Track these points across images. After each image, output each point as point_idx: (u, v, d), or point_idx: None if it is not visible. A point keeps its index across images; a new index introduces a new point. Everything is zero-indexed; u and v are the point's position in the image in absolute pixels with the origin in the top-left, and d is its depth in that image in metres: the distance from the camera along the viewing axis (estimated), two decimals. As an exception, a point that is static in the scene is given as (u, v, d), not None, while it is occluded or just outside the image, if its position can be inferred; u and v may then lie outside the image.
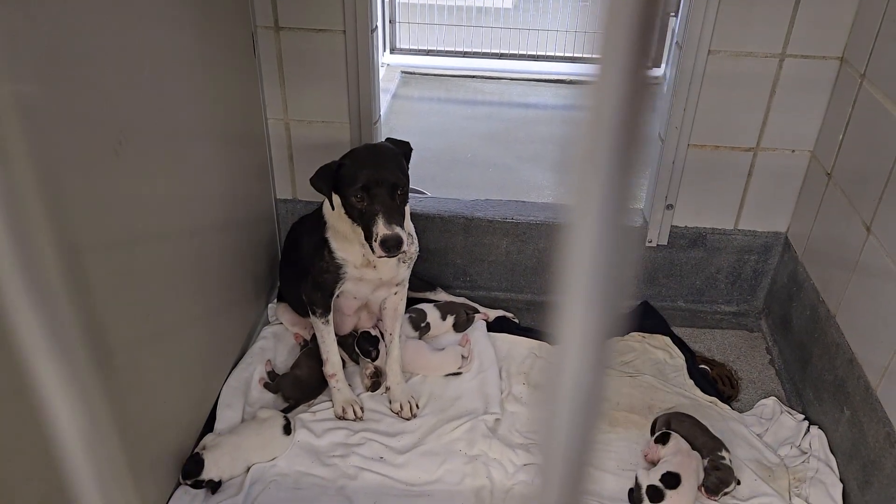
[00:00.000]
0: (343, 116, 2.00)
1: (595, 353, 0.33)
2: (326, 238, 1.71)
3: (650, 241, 2.12)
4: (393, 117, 3.39)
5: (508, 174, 2.95)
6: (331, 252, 1.70)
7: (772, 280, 2.15)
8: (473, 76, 3.74)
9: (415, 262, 1.88)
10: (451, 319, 2.07)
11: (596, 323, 0.33)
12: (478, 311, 2.13)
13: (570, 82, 3.66)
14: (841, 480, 1.67)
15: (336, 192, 1.62)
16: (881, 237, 1.58)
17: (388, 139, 1.71)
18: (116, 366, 1.31)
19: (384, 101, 3.46)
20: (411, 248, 1.79)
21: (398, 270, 1.77)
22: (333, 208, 1.67)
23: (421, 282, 2.15)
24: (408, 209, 1.74)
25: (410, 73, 3.75)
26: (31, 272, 0.34)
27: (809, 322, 1.89)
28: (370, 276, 1.75)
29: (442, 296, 2.16)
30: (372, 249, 1.58)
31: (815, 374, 1.84)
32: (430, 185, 2.84)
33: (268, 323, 2.09)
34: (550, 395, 0.34)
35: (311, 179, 1.61)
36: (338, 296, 1.81)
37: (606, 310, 0.33)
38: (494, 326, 2.11)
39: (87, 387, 0.38)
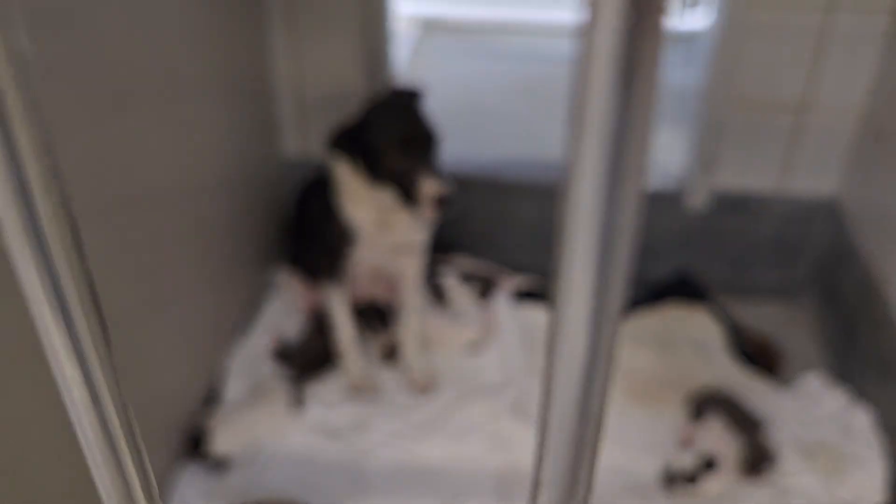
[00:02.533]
0: (356, 66, 1.96)
1: (594, 322, 0.32)
2: (338, 199, 1.68)
3: (688, 206, 2.07)
4: (415, 71, 3.33)
5: (536, 132, 2.89)
6: (343, 213, 1.68)
7: (818, 249, 2.09)
8: (501, 30, 3.66)
9: (434, 227, 1.85)
10: (472, 287, 2.05)
11: (595, 291, 0.31)
12: (501, 279, 2.11)
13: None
14: (885, 460, 1.64)
15: (360, 153, 1.58)
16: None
17: (393, 91, 1.67)
18: (119, 333, 1.31)
19: (404, 53, 3.41)
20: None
21: (416, 234, 1.75)
22: (335, 164, 1.63)
23: (441, 246, 2.12)
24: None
25: (434, 24, 3.68)
26: (30, 234, 0.34)
27: (858, 294, 1.84)
28: (386, 240, 1.72)
29: (463, 262, 2.14)
30: (413, 209, 1.55)
31: (862, 350, 1.80)
32: (451, 141, 2.79)
33: (278, 291, 2.08)
34: (552, 367, 0.33)
35: (329, 141, 1.58)
36: (351, 263, 1.79)
37: (607, 277, 0.31)
38: (519, 295, 2.09)
39: (91, 353, 0.38)
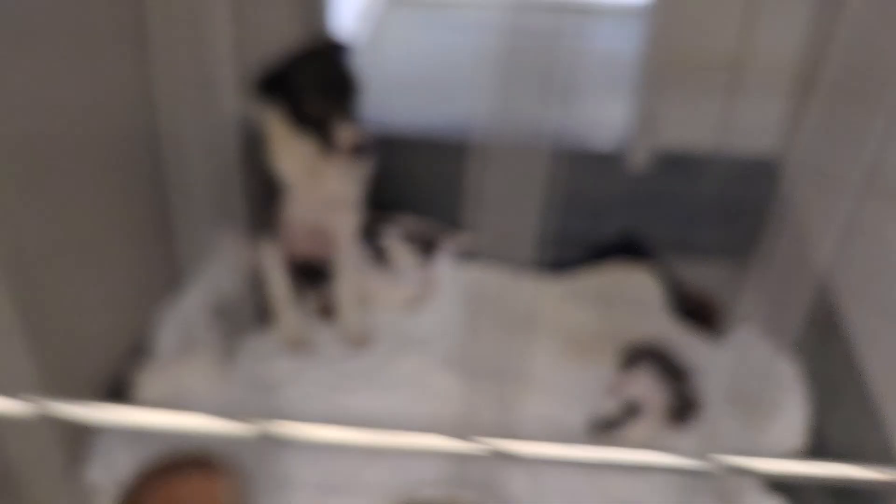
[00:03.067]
0: (294, 27, 1.95)
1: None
2: (267, 150, 1.68)
3: (629, 166, 2.07)
4: (381, 43, 3.33)
5: (504, 102, 2.89)
6: (271, 167, 1.68)
7: (759, 208, 2.08)
8: (465, 4, 3.65)
9: (376, 185, 1.85)
10: (414, 246, 2.05)
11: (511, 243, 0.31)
12: (443, 238, 2.11)
13: (574, 10, 3.56)
14: (805, 407, 1.65)
15: (284, 99, 1.59)
16: (861, 154, 1.52)
17: (327, 39, 1.67)
18: (34, 276, 1.31)
19: (367, 28, 3.40)
20: (363, 164, 1.76)
21: (348, 188, 1.75)
22: (266, 115, 1.64)
23: (383, 206, 2.12)
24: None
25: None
26: None
27: (789, 247, 1.84)
28: (317, 194, 1.72)
29: (407, 221, 2.14)
30: (331, 154, 1.55)
31: (789, 301, 1.80)
32: (418, 113, 2.79)
33: (221, 248, 2.08)
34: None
35: (253, 86, 1.58)
36: (286, 218, 1.79)
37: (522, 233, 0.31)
38: (461, 254, 2.09)
39: None
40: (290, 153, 1.66)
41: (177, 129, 1.89)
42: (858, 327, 1.48)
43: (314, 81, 1.53)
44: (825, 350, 1.61)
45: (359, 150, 1.52)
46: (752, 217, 2.11)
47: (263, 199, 1.74)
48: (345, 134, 1.51)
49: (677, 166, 2.06)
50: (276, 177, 1.69)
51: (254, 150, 1.72)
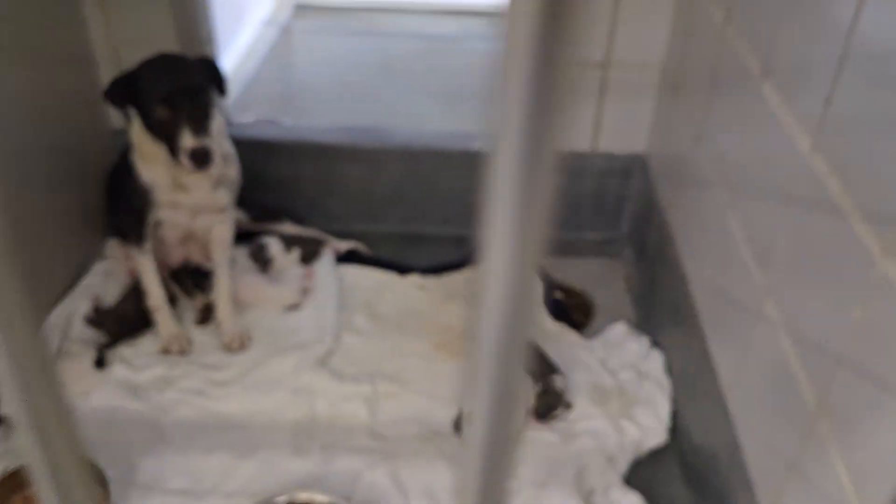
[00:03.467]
0: (171, 37, 1.93)
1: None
2: (131, 160, 1.67)
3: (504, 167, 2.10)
4: (280, 51, 3.31)
5: (393, 105, 2.90)
6: (136, 175, 1.66)
7: (634, 205, 2.15)
8: (372, 8, 3.66)
9: (261, 191, 1.83)
10: (296, 252, 2.05)
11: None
12: (327, 243, 2.11)
13: (472, 13, 3.60)
14: (672, 401, 1.69)
15: (134, 106, 1.57)
16: (706, 147, 1.58)
17: (187, 53, 1.66)
18: None
19: (272, 34, 3.38)
20: (230, 170, 1.75)
21: (216, 195, 1.74)
22: (131, 124, 1.62)
23: (267, 212, 2.12)
24: (221, 127, 1.70)
25: (304, 5, 3.66)
26: None
27: (657, 244, 1.90)
28: (184, 201, 1.71)
29: (289, 227, 2.13)
30: (180, 165, 1.54)
31: (658, 297, 1.86)
32: (308, 118, 2.78)
33: (105, 259, 2.05)
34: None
35: (104, 92, 1.56)
36: (159, 225, 1.77)
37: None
38: (345, 259, 2.10)
39: None
40: (153, 162, 1.64)
41: (61, 140, 1.86)
42: (710, 321, 1.53)
43: (157, 90, 1.51)
44: (685, 344, 1.66)
45: (199, 160, 1.50)
46: (629, 215, 2.17)
47: (136, 208, 1.72)
48: (185, 142, 1.50)
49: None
50: (143, 185, 1.67)
51: (127, 159, 1.70)
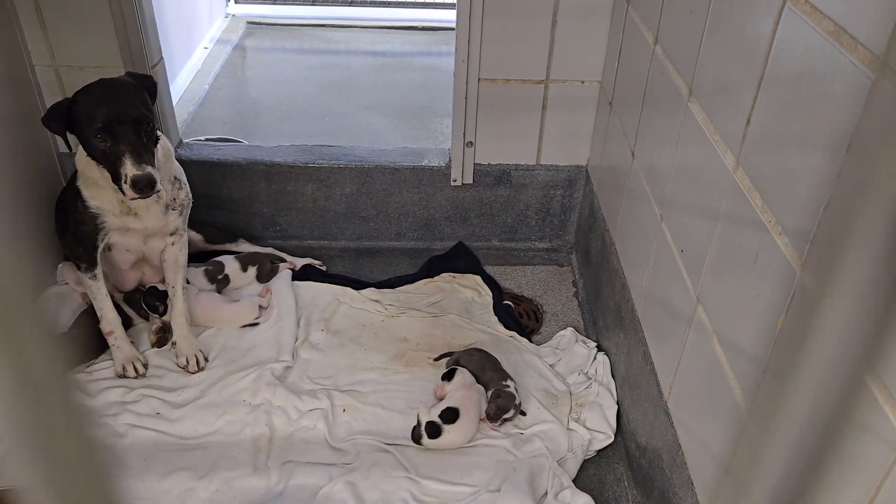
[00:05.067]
0: (116, 60, 1.90)
1: None
2: (78, 187, 1.63)
3: (455, 181, 2.11)
4: (232, 69, 3.28)
5: (346, 122, 2.90)
6: (84, 201, 1.63)
7: (578, 214, 2.17)
8: (322, 25, 3.64)
9: (216, 211, 1.80)
10: (252, 270, 2.03)
11: None
12: (283, 261, 2.10)
13: (421, 28, 3.61)
14: (618, 402, 1.72)
15: (74, 133, 1.54)
16: (640, 161, 1.61)
17: (128, 73, 1.63)
18: None
19: (224, 52, 3.34)
20: (180, 193, 1.73)
21: (167, 218, 1.71)
22: (70, 150, 1.58)
23: (222, 233, 2.10)
24: (168, 149, 1.68)
25: (257, 23, 3.63)
26: None
27: (600, 251, 1.92)
28: (134, 225, 1.68)
29: (245, 247, 2.11)
30: (123, 192, 1.51)
31: (603, 302, 1.88)
32: (261, 136, 2.76)
33: (55, 284, 2.00)
34: None
35: (42, 119, 1.53)
36: (110, 250, 1.74)
37: None
38: (301, 275, 2.08)
39: None
40: (99, 188, 1.61)
41: (21, 170, 1.81)
42: (649, 326, 1.55)
43: (95, 119, 1.47)
44: (629, 348, 1.69)
45: (141, 188, 1.48)
46: (574, 225, 2.20)
47: (85, 233, 1.68)
48: (126, 171, 1.47)
49: (501, 180, 2.12)
50: (91, 211, 1.64)
51: (74, 185, 1.66)
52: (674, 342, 1.39)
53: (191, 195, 1.76)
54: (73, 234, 1.68)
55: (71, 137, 1.55)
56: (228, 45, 3.41)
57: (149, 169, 1.47)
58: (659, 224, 1.47)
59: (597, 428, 1.68)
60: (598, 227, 1.95)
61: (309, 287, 2.04)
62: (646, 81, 1.57)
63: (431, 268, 2.14)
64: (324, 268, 2.14)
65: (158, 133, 1.60)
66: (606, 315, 1.86)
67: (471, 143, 2.04)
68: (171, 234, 1.76)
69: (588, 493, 1.54)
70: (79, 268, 1.71)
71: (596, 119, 2.01)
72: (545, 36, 1.89)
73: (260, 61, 3.42)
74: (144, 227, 1.69)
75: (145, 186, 1.47)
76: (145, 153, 1.49)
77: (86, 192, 1.62)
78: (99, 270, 1.72)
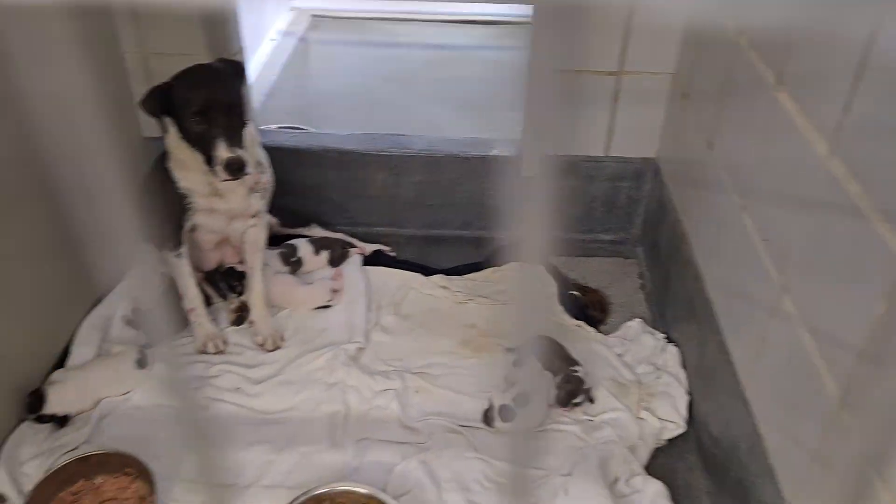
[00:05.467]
0: (200, 48, 1.96)
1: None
2: (168, 168, 1.69)
3: (524, 171, 2.12)
4: (298, 61, 3.33)
5: (409, 113, 2.93)
6: (174, 182, 1.69)
7: (646, 206, 2.17)
8: (384, 18, 3.68)
9: (289, 197, 1.85)
10: (325, 254, 2.07)
11: None
12: (354, 246, 2.13)
13: (482, 23, 3.62)
14: (689, 393, 1.71)
15: (170, 116, 1.59)
16: (719, 151, 1.60)
17: (219, 59, 1.68)
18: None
19: (290, 44, 3.40)
20: (263, 177, 1.78)
21: (249, 201, 1.76)
22: (167, 133, 1.64)
23: (295, 217, 2.14)
24: (253, 135, 1.72)
25: (321, 16, 3.68)
26: None
27: (671, 243, 1.92)
28: (220, 206, 1.73)
29: (317, 231, 2.16)
30: (215, 174, 1.56)
31: (673, 294, 1.88)
32: (327, 127, 2.81)
33: (138, 261, 2.06)
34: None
35: (140, 102, 1.58)
36: (194, 230, 1.79)
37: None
38: (371, 260, 2.12)
39: None
40: (189, 169, 1.66)
41: (93, 146, 1.88)
42: (726, 316, 1.55)
43: (192, 103, 1.52)
44: (701, 339, 1.68)
45: (234, 170, 1.52)
46: (641, 217, 2.20)
47: (173, 213, 1.74)
48: (220, 154, 1.52)
49: (569, 170, 2.13)
50: (180, 192, 1.70)
51: (161, 166, 1.72)
52: (754, 332, 1.38)
53: (272, 179, 1.81)
54: (160, 215, 1.73)
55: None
56: (294, 38, 3.46)
57: (240, 152, 1.52)
58: (739, 214, 1.47)
59: (667, 417, 1.68)
60: (669, 220, 1.94)
61: (379, 272, 2.08)
62: (727, 71, 1.56)
63: (498, 256, 2.16)
64: (393, 254, 2.17)
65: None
66: (676, 307, 1.85)
67: (540, 133, 2.05)
68: (253, 217, 1.81)
69: (660, 481, 1.54)
70: (164, 247, 1.77)
71: (667, 111, 2.00)
72: (621, 27, 1.89)
73: (324, 54, 3.48)
74: (229, 209, 1.74)
75: (237, 169, 1.52)
76: (237, 137, 1.54)
77: (176, 174, 1.68)
78: (184, 250, 1.77)
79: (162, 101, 1.56)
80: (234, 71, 1.62)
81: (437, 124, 2.85)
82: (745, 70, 1.47)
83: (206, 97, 1.52)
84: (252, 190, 1.75)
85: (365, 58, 3.40)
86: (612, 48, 1.92)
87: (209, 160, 1.55)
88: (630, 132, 2.05)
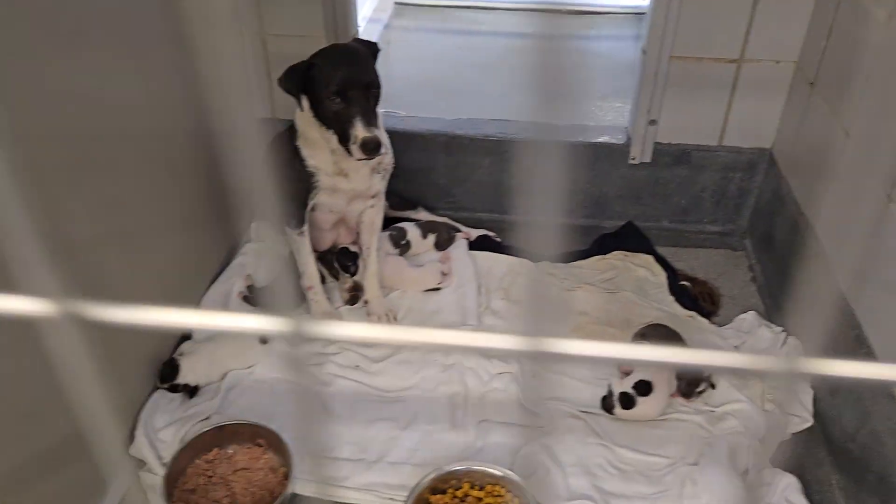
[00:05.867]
0: (319, 30, 1.97)
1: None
2: (297, 146, 1.70)
3: (633, 159, 2.10)
4: (384, 47, 3.34)
5: (497, 102, 2.91)
6: (302, 160, 1.70)
7: (757, 198, 2.13)
8: (467, 7, 3.67)
9: (395, 180, 1.86)
10: (432, 238, 2.07)
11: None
12: (459, 231, 2.14)
13: (566, 12, 3.59)
14: (813, 388, 1.68)
15: (307, 95, 1.60)
16: (857, 140, 1.56)
17: (355, 39, 1.69)
18: (81, 261, 1.33)
19: (375, 31, 3.42)
20: (386, 157, 1.78)
21: (372, 181, 1.77)
22: (303, 109, 1.65)
23: (403, 200, 2.15)
24: (381, 117, 1.73)
25: (404, 3, 3.69)
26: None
27: (790, 236, 1.88)
28: (343, 185, 1.74)
29: (423, 215, 2.16)
30: (349, 153, 1.57)
31: (794, 287, 1.84)
32: (417, 112, 2.81)
33: (251, 240, 2.10)
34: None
35: (279, 80, 1.60)
36: (313, 209, 1.81)
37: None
38: (476, 245, 2.12)
39: (44, 277, 0.36)
40: (317, 148, 1.68)
41: (217, 124, 1.91)
42: (866, 311, 1.51)
43: (332, 82, 1.53)
44: (834, 332, 1.64)
45: (370, 150, 1.53)
46: (750, 208, 2.15)
47: (292, 189, 1.76)
48: (357, 133, 1.53)
49: (679, 159, 2.10)
50: (308, 170, 1.71)
51: (287, 144, 1.73)
52: (905, 325, 1.35)
53: (394, 161, 1.82)
54: (286, 192, 1.75)
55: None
56: (379, 25, 3.47)
57: (376, 132, 1.53)
58: (885, 206, 1.43)
59: (792, 411, 1.65)
60: (788, 212, 1.90)
61: (486, 257, 2.07)
62: (873, 60, 1.52)
63: (602, 245, 2.14)
64: (498, 239, 2.17)
65: None
66: (799, 300, 1.81)
67: (654, 121, 2.03)
68: (372, 197, 1.82)
69: (791, 474, 1.51)
70: (288, 224, 1.79)
71: (788, 100, 1.95)
72: (745, 15, 1.85)
73: (409, 41, 3.48)
74: (352, 189, 1.75)
75: (373, 148, 1.52)
76: (373, 117, 1.55)
77: (305, 151, 1.69)
78: (306, 228, 1.79)
79: (300, 79, 1.57)
80: (370, 52, 1.63)
81: (527, 114, 2.83)
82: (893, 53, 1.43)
83: (346, 76, 1.53)
84: (375, 171, 1.76)
85: (449, 45, 3.39)
86: (735, 35, 1.88)
87: (344, 139, 1.56)
88: (746, 122, 2.01)
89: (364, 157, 1.55)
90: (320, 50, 1.60)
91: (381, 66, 1.77)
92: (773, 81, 1.94)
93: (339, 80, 1.53)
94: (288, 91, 1.61)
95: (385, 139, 1.79)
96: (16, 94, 1.14)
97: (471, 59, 3.22)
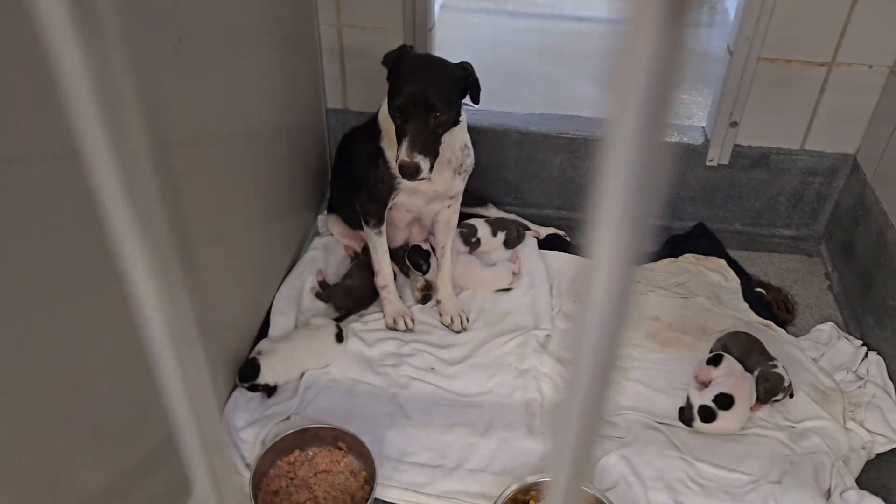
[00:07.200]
0: (397, 22, 1.92)
1: (623, 270, 0.30)
2: (381, 147, 1.67)
3: (711, 161, 2.05)
4: (441, 28, 3.27)
5: (561, 89, 2.85)
6: (385, 162, 1.67)
7: (836, 204, 2.06)
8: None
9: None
10: (501, 236, 2.04)
11: (625, 240, 0.29)
12: (529, 229, 2.10)
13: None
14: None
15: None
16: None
17: (461, 62, 1.59)
18: (192, 262, 1.31)
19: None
20: (467, 160, 1.75)
21: (453, 183, 1.74)
22: (383, 105, 1.61)
23: (472, 197, 2.11)
24: (465, 119, 1.68)
25: (458, -17, 3.60)
26: (123, 165, 0.32)
27: (875, 247, 1.82)
28: (425, 187, 1.71)
29: (493, 212, 2.13)
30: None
31: (877, 300, 1.79)
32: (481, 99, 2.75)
33: (318, 234, 2.08)
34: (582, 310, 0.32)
35: (383, 60, 1.56)
36: (391, 208, 1.78)
37: (636, 227, 0.29)
38: (545, 244, 2.08)
39: (173, 277, 0.37)
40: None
41: (284, 120, 1.88)
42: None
43: (400, 92, 1.48)
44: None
45: (406, 173, 1.49)
46: (828, 214, 2.09)
47: (373, 188, 1.73)
48: (398, 154, 1.50)
49: (758, 162, 2.04)
50: (391, 171, 1.68)
51: (372, 142, 1.70)
52: None
53: (474, 162, 1.78)
54: (368, 192, 1.73)
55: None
56: (436, 4, 3.40)
57: (417, 158, 1.47)
58: None
59: (878, 430, 1.61)
60: (872, 221, 1.84)
61: (556, 257, 2.04)
62: None
63: (674, 247, 2.09)
64: (568, 238, 2.13)
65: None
66: (881, 314, 1.76)
67: (735, 122, 1.96)
68: (451, 198, 1.79)
69: (877, 497, 1.48)
70: (367, 223, 1.77)
71: (878, 105, 1.88)
72: (840, 17, 1.78)
73: (465, 22, 3.41)
74: (433, 191, 1.72)
75: (410, 174, 1.49)
76: (424, 141, 1.49)
77: (388, 153, 1.66)
78: (384, 227, 1.77)
79: (392, 68, 1.54)
80: (462, 76, 1.56)
81: (592, 102, 2.76)
82: None
83: (412, 94, 1.47)
84: (457, 172, 1.72)
85: (507, 28, 3.32)
86: (828, 38, 1.80)
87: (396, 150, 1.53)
88: (831, 126, 1.94)
89: (400, 176, 1.52)
90: (415, 53, 1.56)
91: (442, 50, 1.72)
92: (864, 86, 1.86)
93: (405, 94, 1.48)
94: (386, 65, 1.57)
95: (467, 140, 1.75)
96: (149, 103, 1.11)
97: (532, 44, 3.14)
